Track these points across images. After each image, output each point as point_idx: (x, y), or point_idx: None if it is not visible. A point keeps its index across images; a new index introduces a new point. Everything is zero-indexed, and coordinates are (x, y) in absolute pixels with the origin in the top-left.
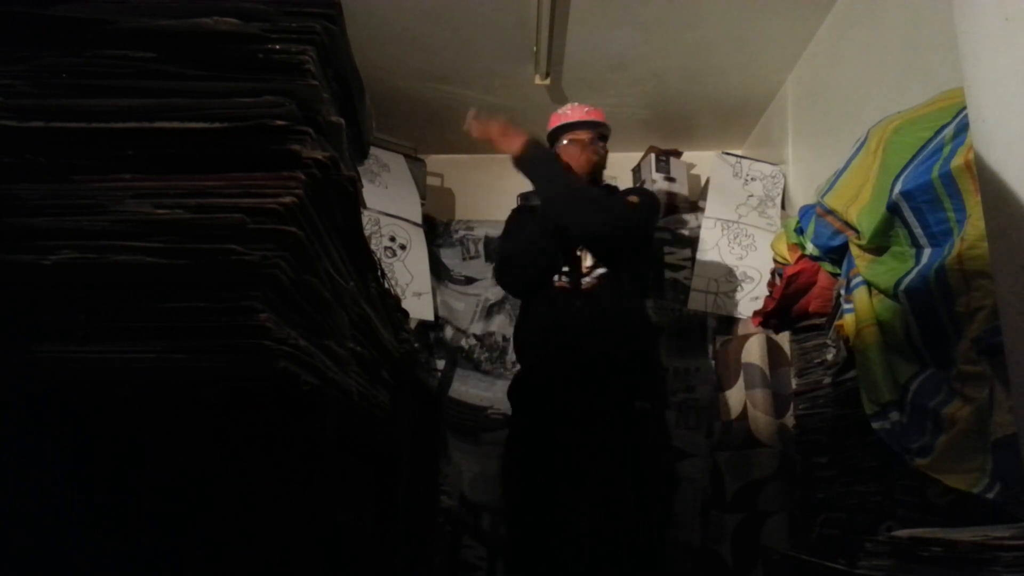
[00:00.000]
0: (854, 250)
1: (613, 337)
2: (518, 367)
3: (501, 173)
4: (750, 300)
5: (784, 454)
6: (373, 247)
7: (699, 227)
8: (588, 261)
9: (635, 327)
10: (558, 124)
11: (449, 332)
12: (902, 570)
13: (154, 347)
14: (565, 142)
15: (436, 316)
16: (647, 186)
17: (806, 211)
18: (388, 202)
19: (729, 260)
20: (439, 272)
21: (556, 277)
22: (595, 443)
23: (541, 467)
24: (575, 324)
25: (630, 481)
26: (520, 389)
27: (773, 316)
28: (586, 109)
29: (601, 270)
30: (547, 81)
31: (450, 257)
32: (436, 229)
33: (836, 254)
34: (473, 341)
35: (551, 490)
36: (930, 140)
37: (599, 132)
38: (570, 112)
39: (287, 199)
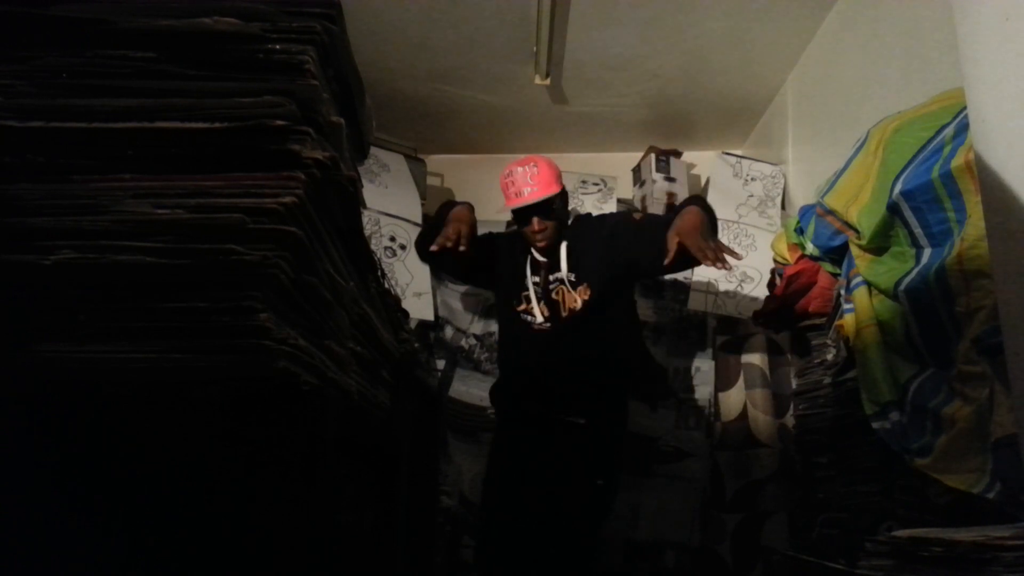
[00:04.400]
0: (854, 250)
1: (588, 372)
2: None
3: (501, 173)
4: (750, 300)
5: (784, 454)
6: (373, 247)
7: None
8: (568, 303)
9: (625, 343)
10: (508, 208)
11: (449, 332)
12: (902, 570)
13: (154, 347)
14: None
15: (436, 316)
16: (647, 186)
17: (806, 211)
18: (388, 202)
19: (729, 260)
20: (439, 272)
21: (535, 318)
22: (549, 446)
23: (509, 464)
24: (554, 360)
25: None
26: (499, 393)
27: (773, 316)
28: (529, 174)
29: (587, 298)
30: (547, 81)
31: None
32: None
33: (836, 254)
34: (473, 341)
35: (514, 485)
36: (930, 140)
37: (540, 203)
38: (513, 185)
39: (287, 199)
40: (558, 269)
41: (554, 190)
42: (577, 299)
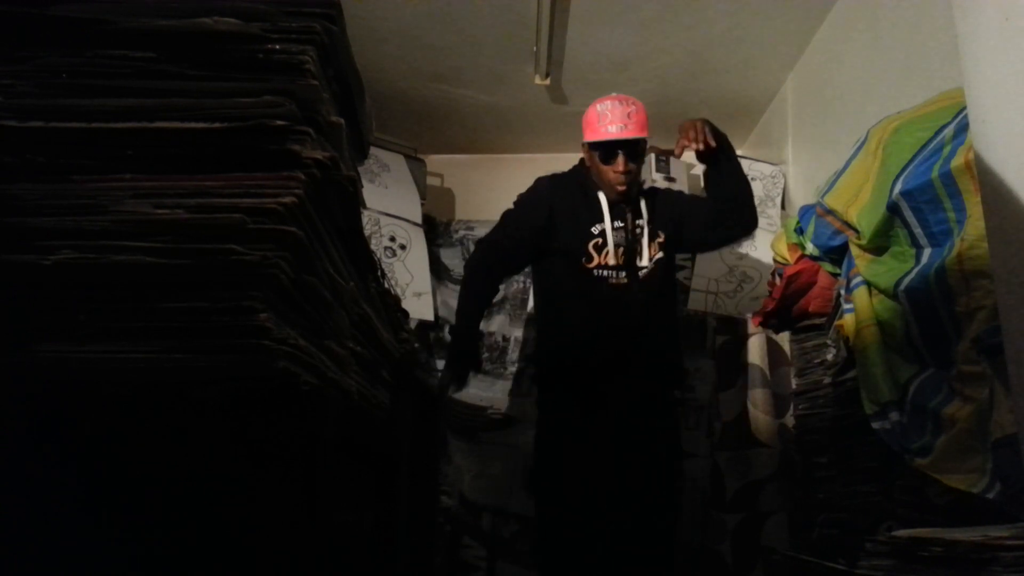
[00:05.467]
0: (854, 250)
1: (659, 328)
2: (528, 361)
3: (501, 173)
4: (750, 300)
5: (784, 454)
6: (373, 247)
7: None
8: (650, 250)
9: (674, 315)
10: (594, 140)
11: (449, 332)
12: (902, 570)
13: (154, 347)
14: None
15: (436, 316)
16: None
17: (806, 211)
18: (388, 202)
19: (729, 260)
20: (439, 272)
21: (612, 273)
22: (636, 432)
23: (579, 456)
24: (630, 320)
25: (666, 473)
26: (552, 377)
27: (773, 316)
28: (628, 111)
29: (660, 255)
30: (547, 81)
31: (450, 257)
32: (436, 229)
33: (836, 254)
34: None
35: (589, 480)
36: (930, 140)
37: (633, 145)
38: (609, 116)
39: (287, 199)
40: (640, 216)
41: (646, 135)
42: (654, 249)
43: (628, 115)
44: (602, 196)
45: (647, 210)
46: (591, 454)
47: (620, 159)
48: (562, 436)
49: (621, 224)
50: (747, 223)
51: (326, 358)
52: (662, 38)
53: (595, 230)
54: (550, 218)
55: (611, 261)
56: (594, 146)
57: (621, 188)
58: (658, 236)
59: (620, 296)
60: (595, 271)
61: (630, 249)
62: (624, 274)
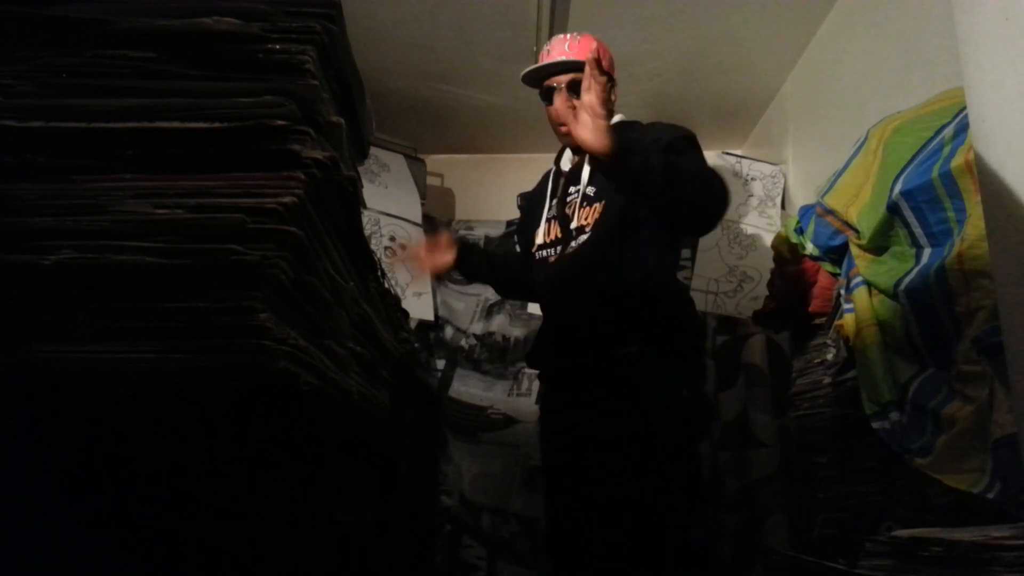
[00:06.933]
0: (854, 250)
1: (597, 297)
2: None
3: (501, 173)
4: (750, 300)
5: (784, 454)
6: (373, 247)
7: None
8: (578, 220)
9: (639, 284)
10: (522, 79)
11: (449, 332)
12: (902, 570)
13: (154, 347)
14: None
15: (436, 316)
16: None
17: (806, 211)
18: (388, 202)
19: (729, 260)
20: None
21: (550, 251)
22: (575, 402)
23: (550, 446)
24: (565, 299)
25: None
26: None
27: (773, 316)
28: (568, 39)
29: (598, 218)
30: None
31: None
32: (436, 229)
33: (836, 254)
34: (473, 341)
35: (557, 470)
36: (930, 140)
37: (573, 77)
38: (546, 54)
39: (287, 199)
40: (578, 181)
41: (580, 60)
42: (588, 217)
43: (567, 46)
44: (555, 168)
45: (589, 171)
46: (557, 443)
47: (559, 96)
48: (542, 427)
49: (555, 197)
50: (698, 223)
51: (326, 358)
52: (662, 38)
53: (541, 211)
54: (522, 216)
55: (541, 239)
56: (535, 88)
57: (563, 130)
58: (597, 202)
59: (553, 273)
60: (537, 253)
61: (562, 221)
62: (559, 249)
